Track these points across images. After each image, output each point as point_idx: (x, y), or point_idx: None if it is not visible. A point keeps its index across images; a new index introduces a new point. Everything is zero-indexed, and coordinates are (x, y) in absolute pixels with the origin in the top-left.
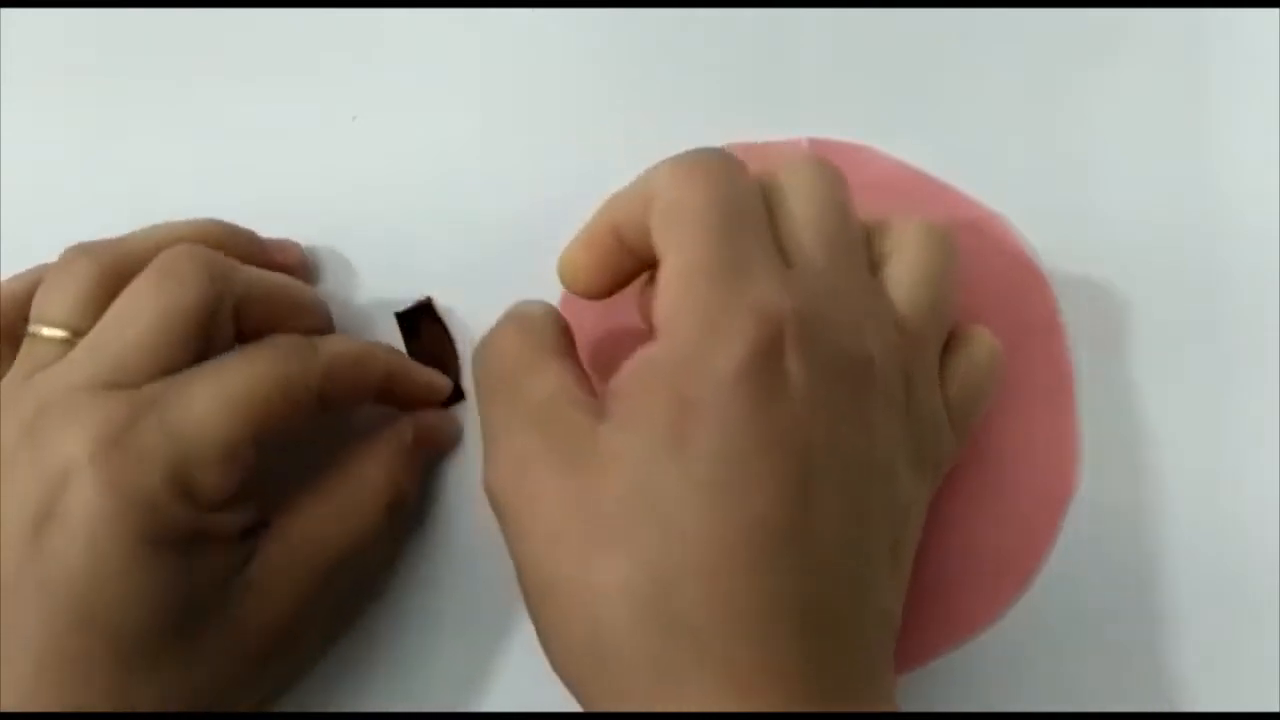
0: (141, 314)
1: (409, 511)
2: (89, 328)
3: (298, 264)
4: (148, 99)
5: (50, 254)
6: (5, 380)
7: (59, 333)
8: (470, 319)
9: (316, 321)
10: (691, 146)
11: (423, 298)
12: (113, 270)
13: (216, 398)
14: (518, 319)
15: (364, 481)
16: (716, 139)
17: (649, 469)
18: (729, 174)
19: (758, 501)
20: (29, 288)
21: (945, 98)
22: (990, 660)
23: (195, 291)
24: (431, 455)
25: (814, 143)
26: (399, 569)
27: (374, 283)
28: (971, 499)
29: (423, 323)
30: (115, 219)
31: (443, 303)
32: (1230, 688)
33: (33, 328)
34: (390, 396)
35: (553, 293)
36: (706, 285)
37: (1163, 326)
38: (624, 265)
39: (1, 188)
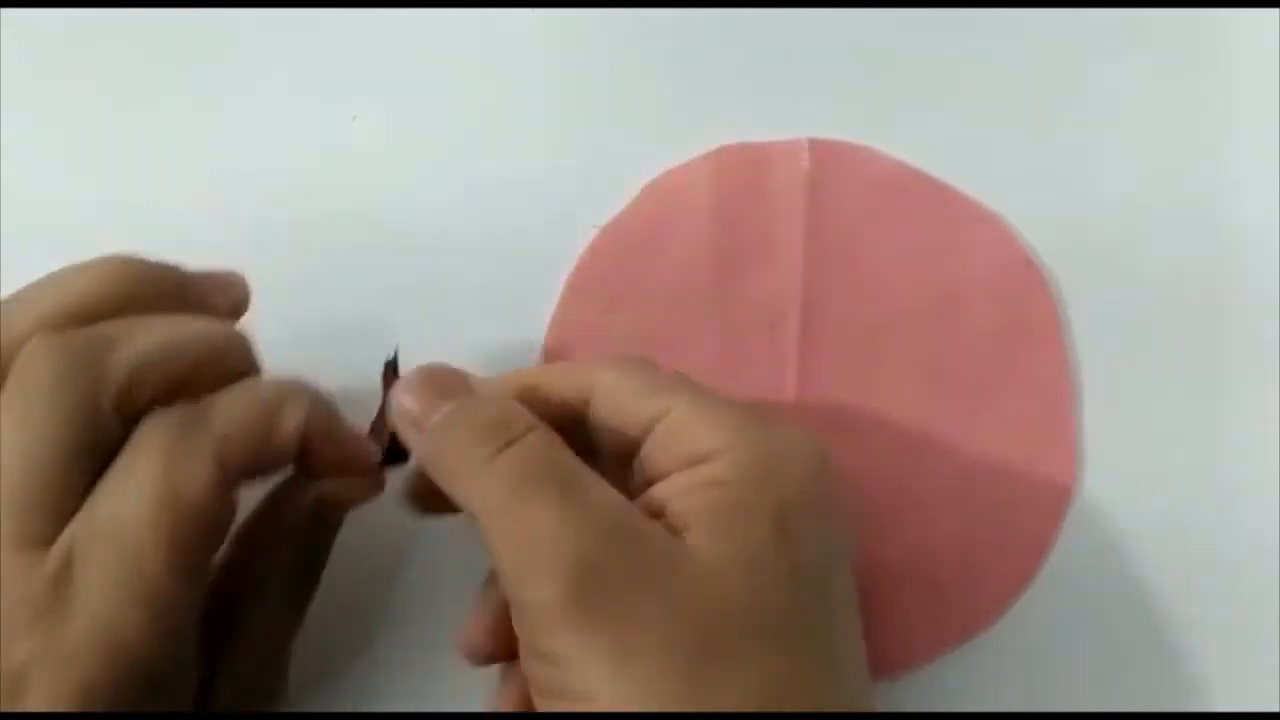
0: (16, 459)
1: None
2: None
3: (231, 306)
4: (147, 100)
5: (50, 254)
6: None
7: None
8: (469, 322)
9: (236, 364)
10: (691, 146)
11: (391, 353)
12: None
13: (123, 551)
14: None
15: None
16: (716, 139)
17: (758, 575)
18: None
19: (847, 581)
20: None
21: (945, 98)
22: (990, 660)
23: (60, 417)
24: (341, 515)
25: (814, 143)
26: (399, 569)
27: (372, 284)
28: (972, 499)
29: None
30: (114, 219)
31: (441, 305)
32: (1231, 688)
33: None
34: (310, 459)
35: (550, 292)
36: (744, 415)
37: (1163, 325)
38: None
39: (1, 187)
